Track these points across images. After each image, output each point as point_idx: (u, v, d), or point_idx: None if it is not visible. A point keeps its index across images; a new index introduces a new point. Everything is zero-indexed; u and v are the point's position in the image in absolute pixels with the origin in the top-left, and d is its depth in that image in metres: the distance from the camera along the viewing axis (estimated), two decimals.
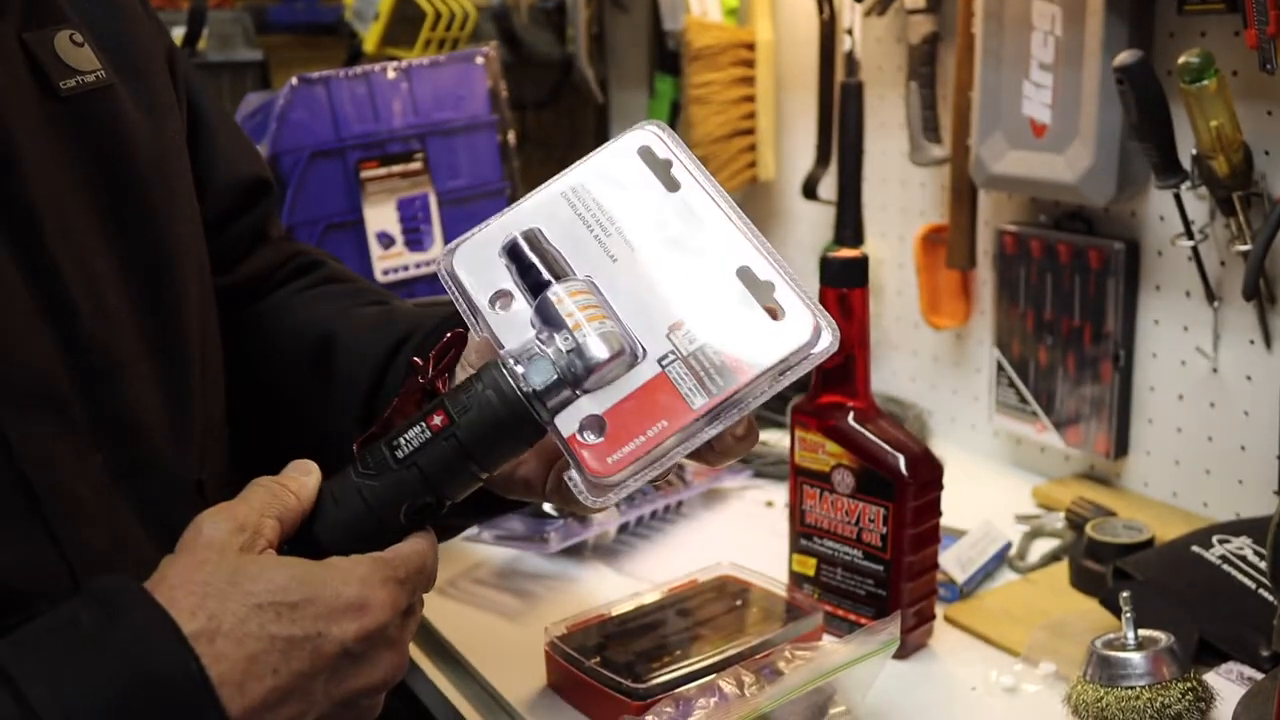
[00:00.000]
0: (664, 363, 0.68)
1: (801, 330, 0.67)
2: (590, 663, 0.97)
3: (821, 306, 0.69)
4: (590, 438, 0.67)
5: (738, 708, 0.87)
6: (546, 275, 0.71)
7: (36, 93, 0.73)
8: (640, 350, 0.68)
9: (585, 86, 1.95)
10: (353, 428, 0.85)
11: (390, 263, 1.51)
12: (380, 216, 1.50)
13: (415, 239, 1.52)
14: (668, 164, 0.73)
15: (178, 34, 1.68)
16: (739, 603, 1.08)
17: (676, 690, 0.92)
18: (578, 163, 0.75)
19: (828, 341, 0.68)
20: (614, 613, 1.06)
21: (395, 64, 1.51)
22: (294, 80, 1.45)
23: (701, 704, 0.89)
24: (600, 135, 2.16)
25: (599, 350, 0.67)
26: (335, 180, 1.47)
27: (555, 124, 2.11)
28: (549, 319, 0.69)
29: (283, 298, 0.97)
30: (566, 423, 0.67)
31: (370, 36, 1.77)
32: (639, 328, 0.69)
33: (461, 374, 0.75)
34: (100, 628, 0.58)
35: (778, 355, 0.67)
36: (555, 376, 0.67)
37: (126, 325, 0.75)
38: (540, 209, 0.74)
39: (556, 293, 0.70)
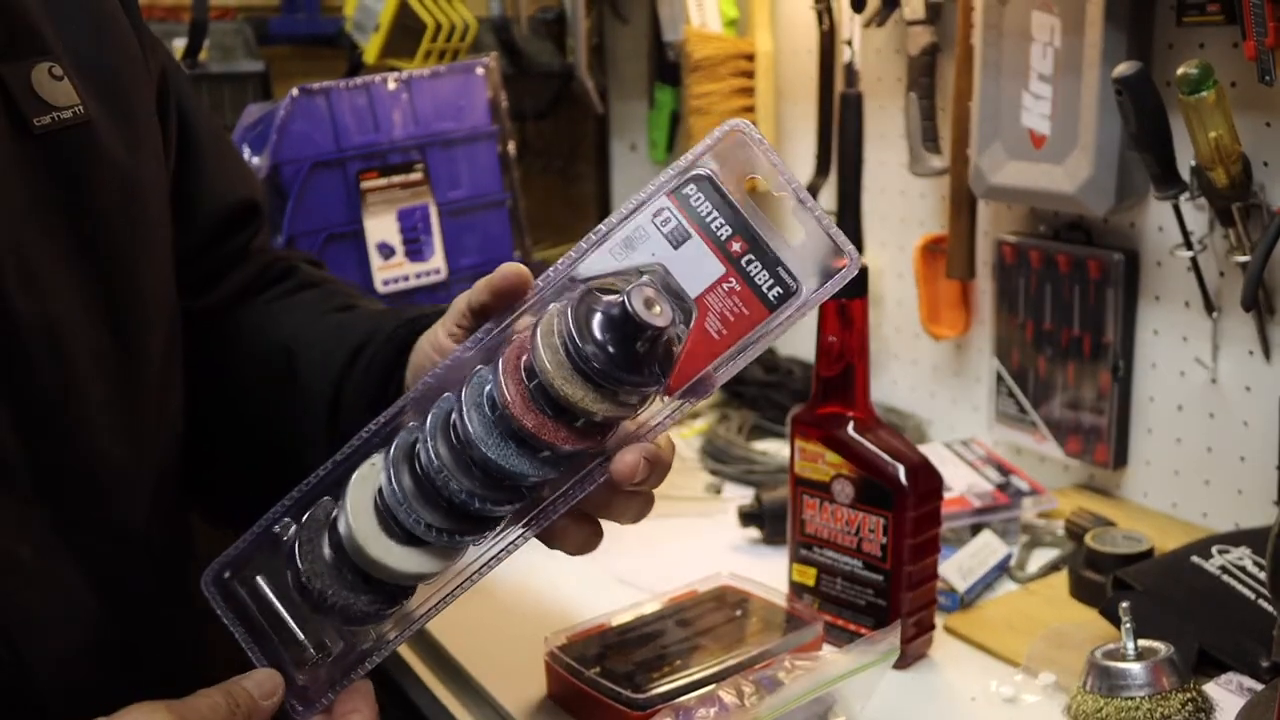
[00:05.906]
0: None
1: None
2: (590, 673, 0.97)
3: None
4: None
5: (738, 717, 0.87)
6: None
7: (8, 129, 0.70)
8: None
9: (585, 97, 1.96)
10: (320, 436, 0.86)
11: (391, 273, 1.51)
12: (380, 227, 1.50)
13: (415, 250, 1.52)
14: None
15: (179, 45, 1.68)
16: (739, 613, 1.08)
17: (676, 700, 0.92)
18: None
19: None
20: (614, 623, 1.06)
21: (396, 75, 1.51)
22: (295, 91, 1.45)
23: (701, 714, 0.89)
24: (600, 146, 2.16)
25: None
26: (336, 191, 1.47)
27: (555, 135, 2.11)
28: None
29: (253, 310, 0.96)
30: None
31: (371, 48, 1.77)
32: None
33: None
34: None
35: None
36: None
37: (85, 374, 0.73)
38: None
39: None
